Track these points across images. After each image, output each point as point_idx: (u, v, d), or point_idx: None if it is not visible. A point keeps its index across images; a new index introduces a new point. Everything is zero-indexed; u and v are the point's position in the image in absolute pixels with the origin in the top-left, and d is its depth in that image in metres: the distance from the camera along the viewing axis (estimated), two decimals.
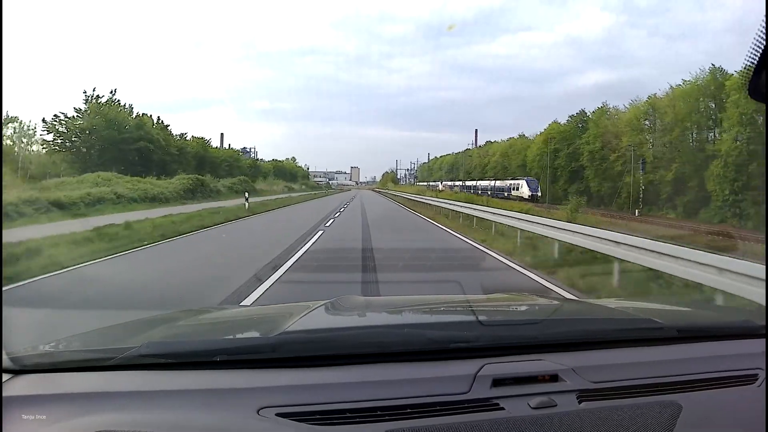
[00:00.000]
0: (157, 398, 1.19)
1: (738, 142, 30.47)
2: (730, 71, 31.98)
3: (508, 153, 59.21)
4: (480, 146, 72.29)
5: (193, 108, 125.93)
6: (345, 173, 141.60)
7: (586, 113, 50.37)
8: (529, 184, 46.00)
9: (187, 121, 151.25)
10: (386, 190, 76.31)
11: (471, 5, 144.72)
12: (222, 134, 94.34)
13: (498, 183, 51.75)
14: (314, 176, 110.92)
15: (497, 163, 61.55)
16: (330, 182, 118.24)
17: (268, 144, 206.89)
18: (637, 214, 33.01)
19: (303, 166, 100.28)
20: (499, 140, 65.12)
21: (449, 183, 69.44)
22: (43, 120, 36.76)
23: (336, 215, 23.04)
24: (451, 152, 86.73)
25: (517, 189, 46.67)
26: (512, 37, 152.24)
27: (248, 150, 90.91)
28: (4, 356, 1.32)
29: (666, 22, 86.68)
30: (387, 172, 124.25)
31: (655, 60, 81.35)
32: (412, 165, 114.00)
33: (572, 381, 1.28)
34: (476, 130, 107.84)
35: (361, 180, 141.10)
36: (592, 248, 8.22)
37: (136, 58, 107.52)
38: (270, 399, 1.17)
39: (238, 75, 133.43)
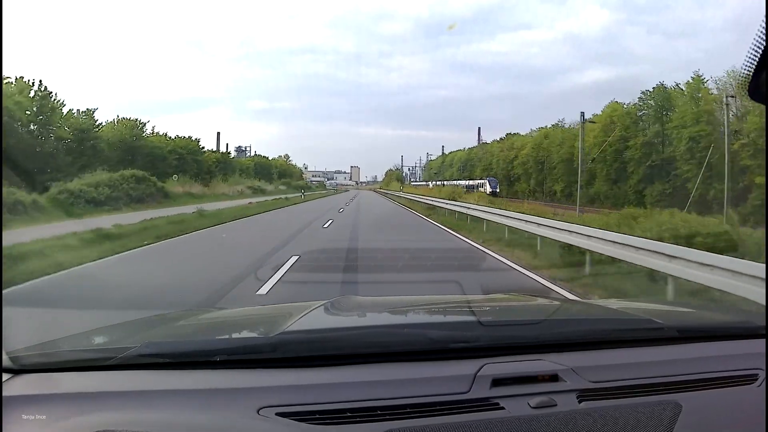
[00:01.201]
0: (156, 398, 1.18)
1: None
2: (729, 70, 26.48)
3: (544, 145, 49.94)
4: (501, 140, 67.81)
5: (191, 109, 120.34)
6: (345, 173, 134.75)
7: (665, 87, 37.58)
8: (490, 182, 55.84)
9: (185, 122, 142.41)
10: (394, 192, 64.53)
11: (470, 3, 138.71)
12: (218, 133, 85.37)
13: (470, 182, 60.39)
14: (313, 176, 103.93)
15: (528, 157, 50.88)
16: (327, 182, 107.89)
17: (269, 144, 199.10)
18: None
19: (300, 165, 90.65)
20: (523, 133, 60.09)
21: (435, 182, 73.80)
22: None
23: None
24: (463, 147, 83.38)
25: (482, 187, 54.84)
26: (511, 34, 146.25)
27: (244, 149, 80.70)
28: (4, 356, 1.31)
29: (665, 19, 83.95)
30: (391, 170, 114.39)
31: (653, 58, 77.31)
32: (421, 159, 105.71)
33: (572, 381, 1.28)
34: (479, 128, 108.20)
35: (361, 180, 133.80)
36: None
37: (133, 59, 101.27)
38: (270, 399, 1.16)
39: (236, 74, 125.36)
